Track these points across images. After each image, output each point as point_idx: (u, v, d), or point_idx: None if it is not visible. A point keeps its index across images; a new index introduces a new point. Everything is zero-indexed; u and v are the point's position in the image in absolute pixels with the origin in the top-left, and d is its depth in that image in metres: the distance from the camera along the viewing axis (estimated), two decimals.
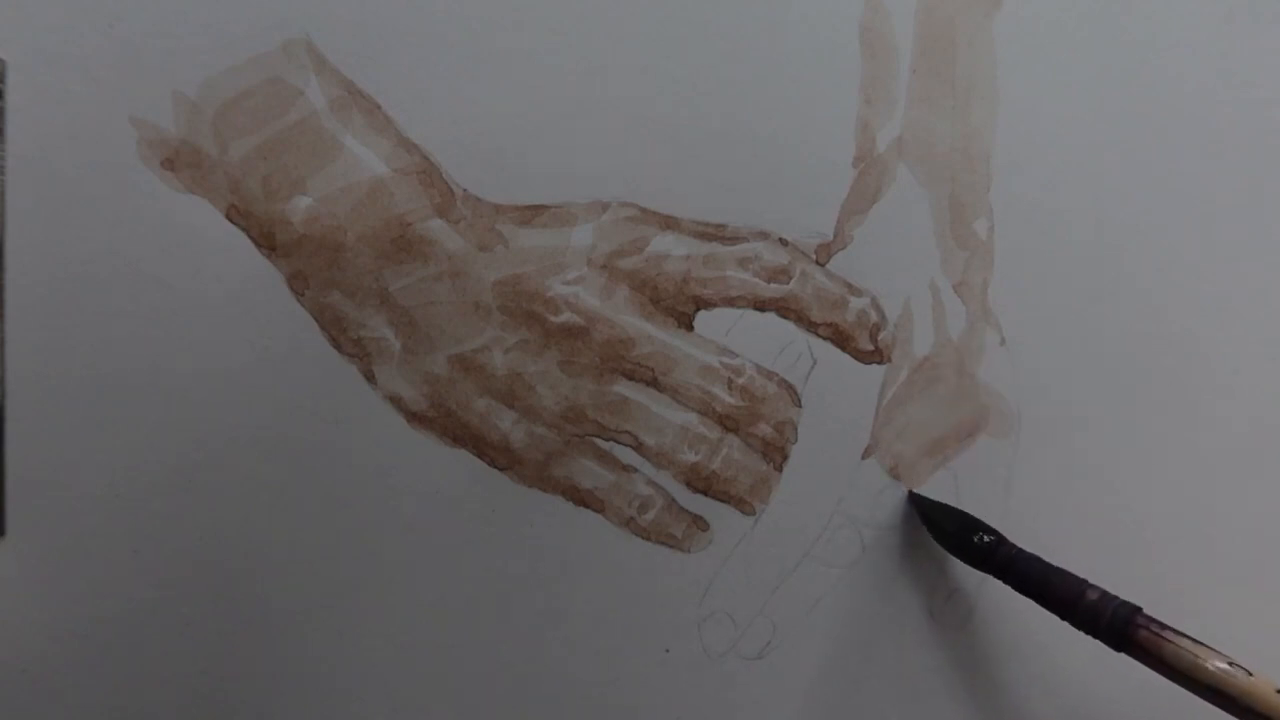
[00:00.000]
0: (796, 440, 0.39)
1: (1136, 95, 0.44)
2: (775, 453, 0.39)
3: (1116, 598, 0.36)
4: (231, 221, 0.32)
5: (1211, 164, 0.46)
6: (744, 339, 0.38)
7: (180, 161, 0.31)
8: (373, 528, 0.34)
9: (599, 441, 0.36)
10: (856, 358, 0.40)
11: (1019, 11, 0.42)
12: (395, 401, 0.34)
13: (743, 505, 0.39)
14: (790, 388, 0.39)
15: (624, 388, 0.36)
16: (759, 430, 0.38)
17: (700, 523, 0.38)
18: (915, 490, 0.41)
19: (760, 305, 0.38)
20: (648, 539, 0.37)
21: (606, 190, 0.36)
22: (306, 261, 0.33)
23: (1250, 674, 0.33)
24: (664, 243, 0.37)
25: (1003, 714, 0.43)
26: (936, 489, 0.42)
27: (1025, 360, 0.43)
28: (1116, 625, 0.35)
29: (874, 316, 0.40)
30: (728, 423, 0.38)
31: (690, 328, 0.37)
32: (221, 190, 0.32)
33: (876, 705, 0.41)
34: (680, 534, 0.38)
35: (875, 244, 0.40)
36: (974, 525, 0.39)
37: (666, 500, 0.37)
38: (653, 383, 0.37)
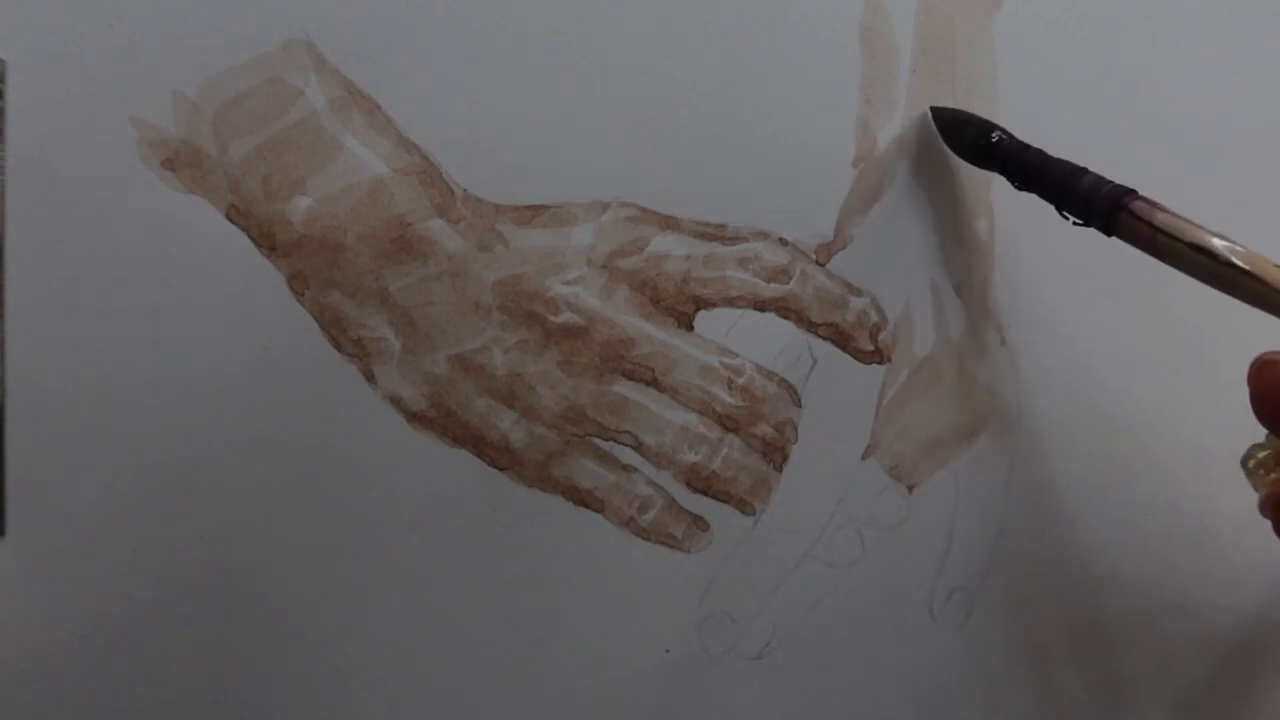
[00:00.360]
0: (796, 440, 0.39)
1: (1137, 95, 0.44)
2: (775, 453, 0.39)
3: (1112, 181, 0.35)
4: (231, 221, 0.32)
5: (1213, 163, 0.46)
6: (744, 339, 0.38)
7: (180, 161, 0.31)
8: (373, 528, 0.34)
9: (599, 441, 0.36)
10: (857, 358, 0.40)
11: (1019, 11, 0.42)
12: (395, 401, 0.34)
13: (743, 505, 0.39)
14: (790, 388, 0.39)
15: (624, 388, 0.37)
16: (759, 430, 0.38)
17: (700, 523, 0.38)
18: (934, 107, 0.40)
19: (760, 305, 0.38)
20: (648, 539, 0.37)
21: (606, 190, 0.36)
22: (306, 261, 0.33)
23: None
24: (664, 243, 0.37)
25: (1003, 714, 0.43)
26: (937, 489, 0.42)
27: (1026, 360, 0.43)
28: (1110, 202, 0.34)
29: (874, 316, 0.40)
30: (728, 423, 0.38)
31: (690, 328, 0.38)
32: (221, 190, 0.32)
33: (876, 705, 0.41)
34: (680, 534, 0.38)
35: (875, 244, 0.40)
36: (990, 127, 0.39)
37: (666, 500, 0.37)
38: (653, 383, 0.37)
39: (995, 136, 0.38)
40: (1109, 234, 0.34)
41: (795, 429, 0.39)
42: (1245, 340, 0.47)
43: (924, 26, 0.40)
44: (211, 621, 0.33)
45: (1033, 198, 0.43)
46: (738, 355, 0.38)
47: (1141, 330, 0.45)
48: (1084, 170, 0.36)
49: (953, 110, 0.40)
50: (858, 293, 0.40)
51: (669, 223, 0.37)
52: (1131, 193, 0.34)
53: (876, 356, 0.40)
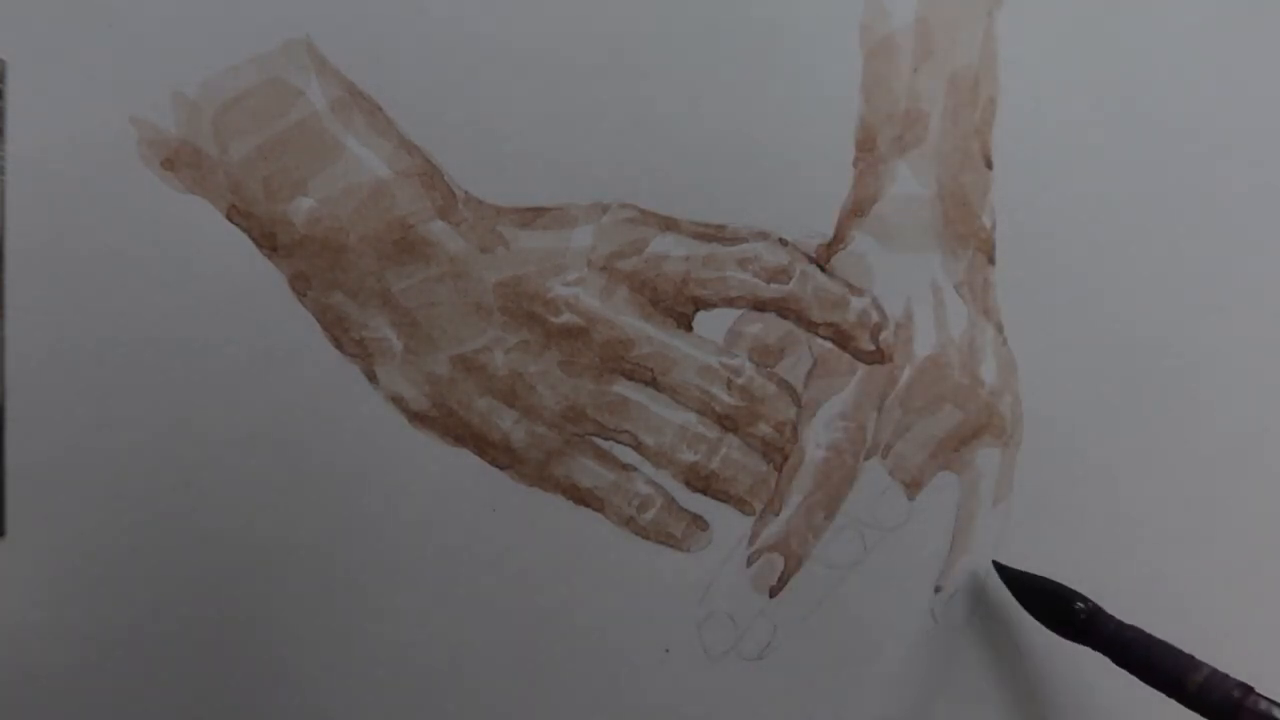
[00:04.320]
0: (797, 440, 0.39)
1: (1138, 94, 0.44)
2: (775, 453, 0.39)
3: (1226, 676, 0.35)
4: (232, 222, 0.32)
5: (1213, 162, 0.46)
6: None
7: (180, 161, 0.31)
8: (373, 527, 0.34)
9: (599, 441, 0.36)
10: (857, 358, 0.40)
11: (1020, 11, 0.42)
12: (397, 401, 0.34)
13: (742, 505, 0.39)
14: (790, 388, 0.39)
15: (623, 388, 0.37)
16: (759, 430, 0.38)
17: (700, 522, 0.38)
18: (998, 563, 0.42)
19: (760, 305, 0.38)
20: (647, 538, 0.37)
21: (606, 191, 0.36)
22: (309, 262, 0.33)
23: None
24: (663, 244, 0.37)
25: (1004, 715, 0.43)
26: (939, 489, 0.42)
27: (1027, 360, 0.43)
28: (1227, 707, 0.35)
29: (875, 316, 0.40)
30: (727, 423, 0.38)
31: (690, 328, 0.38)
32: (222, 190, 0.32)
33: (877, 706, 0.41)
34: (680, 533, 0.38)
35: (875, 244, 0.40)
36: (1068, 594, 0.39)
37: (666, 499, 0.37)
38: (652, 383, 0.37)
39: (1079, 608, 0.38)
40: None
41: (795, 429, 0.39)
42: (1245, 341, 0.47)
43: (924, 26, 0.40)
44: (211, 621, 0.33)
45: (1031, 194, 0.43)
46: (737, 355, 0.38)
47: (1143, 330, 0.45)
48: (1192, 663, 0.36)
49: (1022, 574, 0.41)
50: (858, 293, 0.40)
51: (668, 224, 0.37)
52: (1248, 690, 0.35)
53: (878, 357, 0.40)
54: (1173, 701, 0.36)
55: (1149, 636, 0.37)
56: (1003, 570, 0.41)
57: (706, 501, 0.38)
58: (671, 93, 0.36)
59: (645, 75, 0.36)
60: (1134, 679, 0.37)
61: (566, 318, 0.36)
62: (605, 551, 0.37)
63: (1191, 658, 0.36)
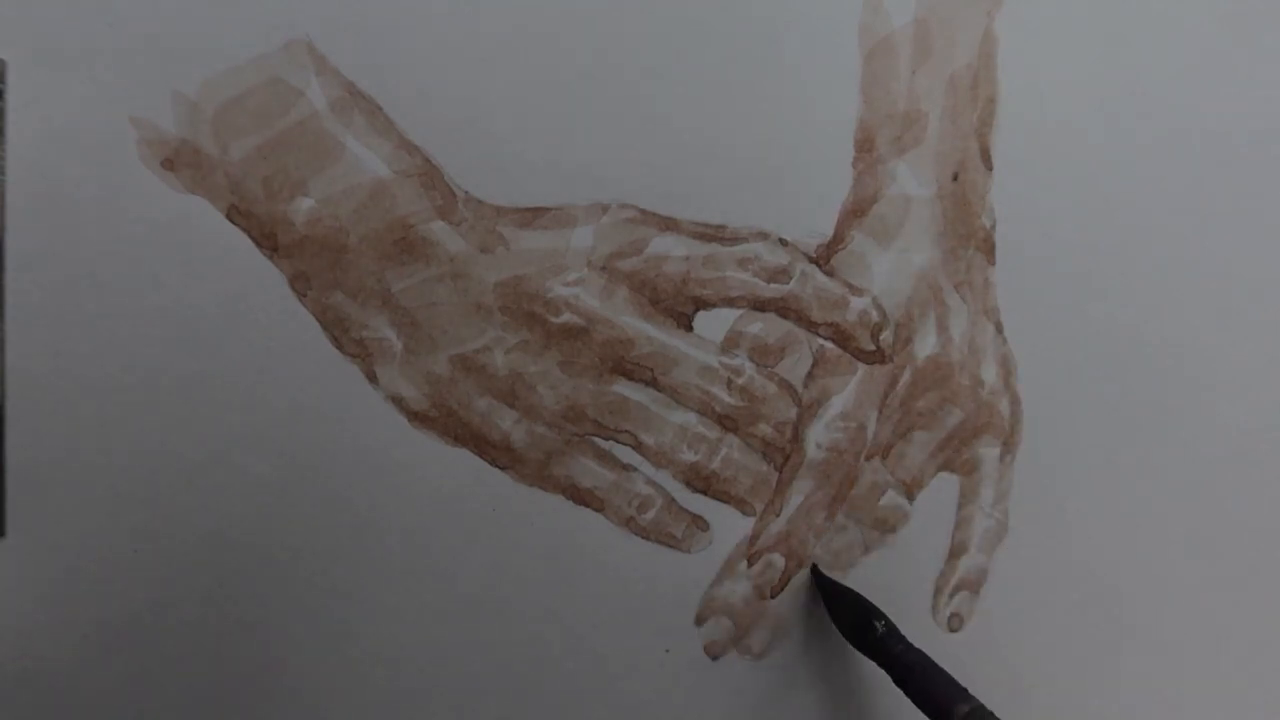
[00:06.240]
0: (797, 440, 0.39)
1: (1137, 94, 0.44)
2: (775, 453, 0.39)
3: (991, 713, 0.35)
4: (232, 222, 0.32)
5: (1214, 163, 0.46)
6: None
7: (180, 161, 0.31)
8: (373, 527, 0.34)
9: (599, 441, 0.36)
10: (858, 358, 0.40)
11: (1020, 11, 0.42)
12: (397, 401, 0.34)
13: (742, 505, 0.39)
14: (790, 388, 0.39)
15: (623, 388, 0.37)
16: (759, 430, 0.38)
17: (700, 522, 0.38)
18: (815, 568, 0.40)
19: (760, 305, 0.38)
20: (647, 538, 0.37)
21: (606, 192, 0.36)
22: (309, 262, 0.33)
23: None
24: (663, 244, 0.37)
25: (1004, 715, 0.43)
26: (939, 489, 0.42)
27: (1028, 360, 0.43)
28: None
29: (875, 316, 0.40)
30: (727, 423, 0.38)
31: (690, 328, 0.38)
32: (222, 190, 0.32)
33: (877, 707, 0.41)
34: (680, 533, 0.38)
35: (875, 244, 0.40)
36: (869, 611, 0.38)
37: (666, 499, 0.37)
38: (652, 383, 0.37)
39: (879, 626, 0.38)
40: None
41: (795, 429, 0.39)
42: (1244, 341, 0.47)
43: (923, 27, 0.40)
44: (211, 621, 0.33)
45: (1030, 194, 0.43)
46: (737, 355, 0.38)
47: (1143, 330, 0.45)
48: (960, 697, 0.35)
49: (834, 584, 0.40)
50: (858, 292, 0.40)
51: (668, 224, 0.37)
52: None
53: (878, 356, 0.40)
54: None
55: (931, 663, 0.36)
56: (818, 577, 0.40)
57: (706, 501, 0.38)
58: (671, 93, 0.36)
59: (645, 75, 0.36)
60: None
61: (566, 318, 0.36)
62: (605, 551, 0.37)
63: (965, 690, 0.35)
